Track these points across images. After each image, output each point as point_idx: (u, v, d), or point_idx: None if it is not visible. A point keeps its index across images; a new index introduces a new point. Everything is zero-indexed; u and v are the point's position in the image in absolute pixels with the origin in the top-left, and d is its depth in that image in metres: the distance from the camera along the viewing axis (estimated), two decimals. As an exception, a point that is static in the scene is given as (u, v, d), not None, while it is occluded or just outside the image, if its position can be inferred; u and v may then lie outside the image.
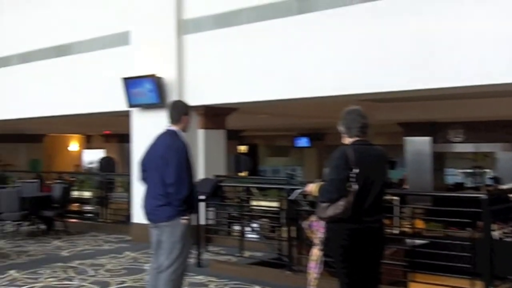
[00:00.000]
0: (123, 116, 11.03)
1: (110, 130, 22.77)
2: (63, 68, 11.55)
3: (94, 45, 10.84)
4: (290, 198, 6.74)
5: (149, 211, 4.98)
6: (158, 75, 9.31)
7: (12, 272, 7.40)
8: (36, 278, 7.06)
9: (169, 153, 4.77)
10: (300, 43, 8.04)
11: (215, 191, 7.84)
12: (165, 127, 5.12)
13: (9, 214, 10.06)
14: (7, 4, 12.89)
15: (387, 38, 7.20)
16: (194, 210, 5.19)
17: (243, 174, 14.55)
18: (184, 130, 5.05)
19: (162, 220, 4.84)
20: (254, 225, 8.34)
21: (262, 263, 7.34)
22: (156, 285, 4.89)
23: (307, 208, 6.37)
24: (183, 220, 4.78)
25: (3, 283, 6.82)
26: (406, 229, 8.81)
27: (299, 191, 5.86)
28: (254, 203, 9.33)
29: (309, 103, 9.56)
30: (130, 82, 9.61)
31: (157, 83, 9.27)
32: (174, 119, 5.04)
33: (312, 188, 4.48)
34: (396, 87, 7.37)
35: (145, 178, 5.06)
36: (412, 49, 7.01)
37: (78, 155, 25.45)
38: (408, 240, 8.18)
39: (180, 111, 5.06)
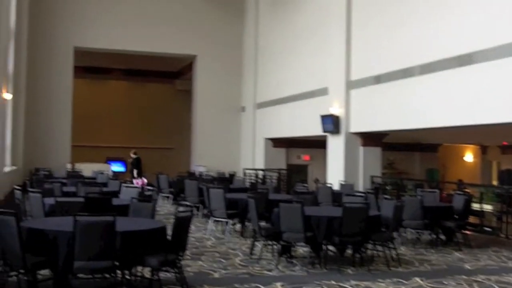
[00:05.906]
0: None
1: (508, 141, 21.77)
2: (464, 78, 11.40)
3: (500, 53, 10.41)
4: None
5: None
6: None
7: (417, 279, 7.59)
8: (441, 288, 7.10)
9: None
10: None
11: None
12: None
13: (411, 222, 10.33)
14: (406, 16, 13.39)
15: None
16: None
17: None
18: None
19: None
20: None
21: None
22: None
23: None
24: None
25: (409, 289, 7.04)
26: None
27: None
28: None
29: None
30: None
31: None
32: None
33: None
34: None
35: None
36: None
37: (474, 166, 25.01)
38: None
39: None
